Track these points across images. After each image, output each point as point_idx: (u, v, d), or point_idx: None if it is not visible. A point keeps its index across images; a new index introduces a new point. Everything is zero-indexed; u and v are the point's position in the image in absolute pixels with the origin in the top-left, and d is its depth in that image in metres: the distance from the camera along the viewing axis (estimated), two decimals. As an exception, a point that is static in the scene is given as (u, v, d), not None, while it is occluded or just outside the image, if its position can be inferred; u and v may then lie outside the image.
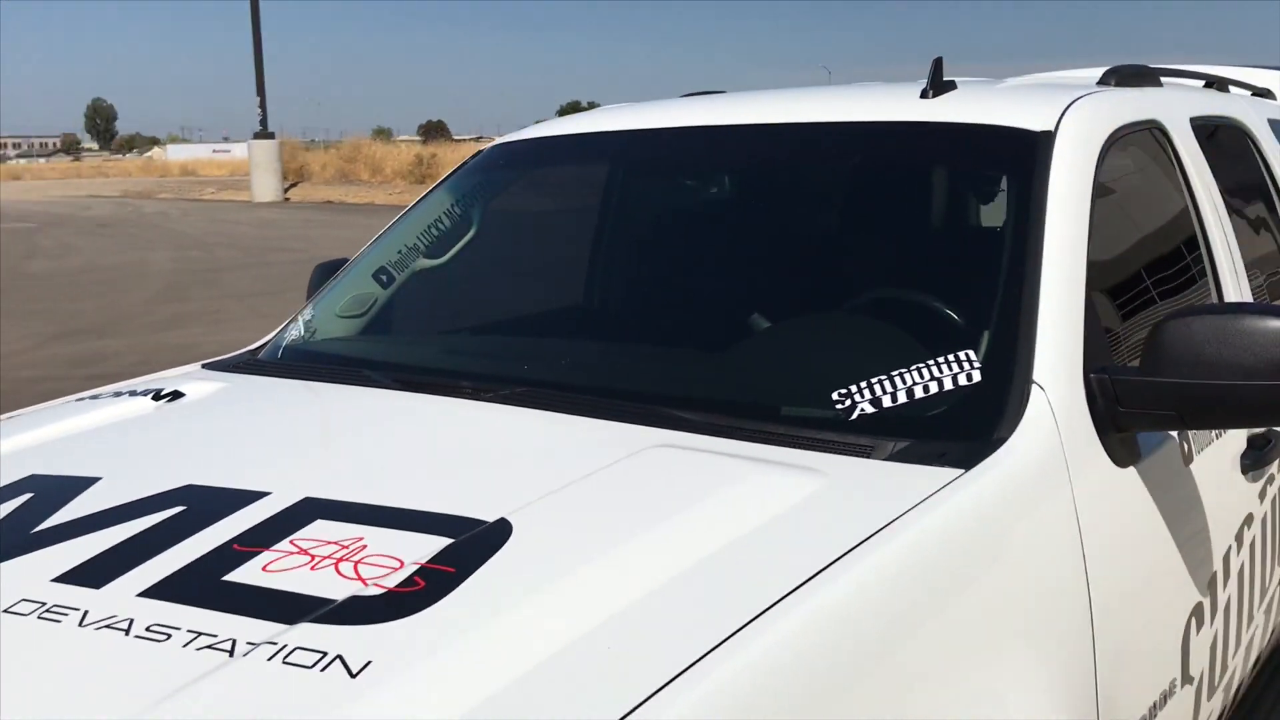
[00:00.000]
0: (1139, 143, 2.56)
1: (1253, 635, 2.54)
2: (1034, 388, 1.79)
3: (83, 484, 1.66)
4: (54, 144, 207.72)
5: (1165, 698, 2.01)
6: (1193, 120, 2.80)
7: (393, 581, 1.30)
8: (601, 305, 2.50)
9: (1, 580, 1.37)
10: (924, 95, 2.37)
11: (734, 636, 1.18)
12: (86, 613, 1.28)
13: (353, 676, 1.13)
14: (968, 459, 1.64)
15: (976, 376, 1.81)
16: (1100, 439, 1.86)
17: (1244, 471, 2.41)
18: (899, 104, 2.38)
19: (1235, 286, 2.63)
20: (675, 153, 2.50)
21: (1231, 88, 3.55)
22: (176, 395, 2.19)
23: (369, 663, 1.15)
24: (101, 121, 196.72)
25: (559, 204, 2.87)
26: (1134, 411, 1.87)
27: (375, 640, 1.19)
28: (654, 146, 2.54)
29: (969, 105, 2.31)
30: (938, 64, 2.43)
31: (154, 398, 2.17)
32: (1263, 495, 2.53)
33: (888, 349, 1.89)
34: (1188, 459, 2.15)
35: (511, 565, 1.32)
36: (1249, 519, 2.44)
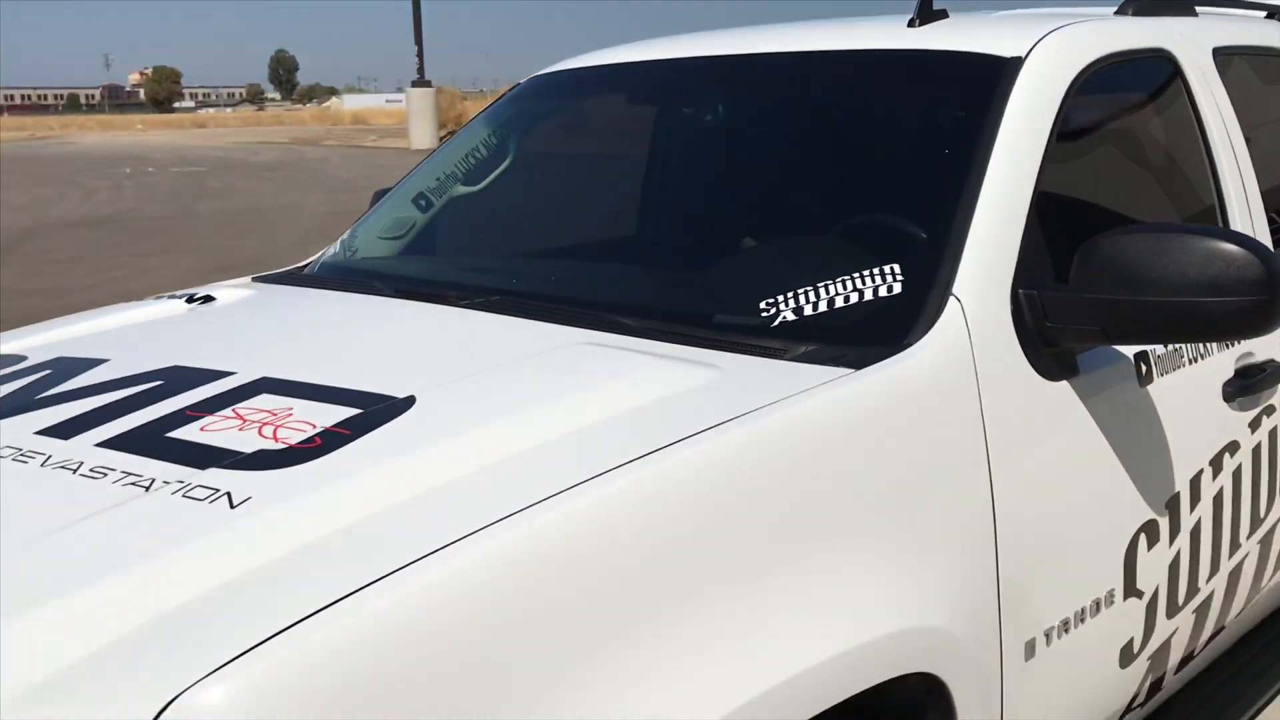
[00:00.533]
0: (1140, 71, 2.57)
1: (1240, 562, 2.55)
2: (951, 300, 1.88)
3: (91, 364, 1.93)
4: (239, 94, 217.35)
5: (1100, 605, 2.08)
6: (1218, 50, 2.77)
7: (295, 439, 1.51)
8: (586, 226, 2.66)
9: (43, 447, 1.63)
10: (910, 24, 2.45)
11: (564, 493, 1.35)
12: (50, 456, 1.54)
13: (232, 508, 1.35)
14: (862, 361, 1.75)
15: (897, 289, 1.91)
16: (1026, 353, 1.94)
17: (1227, 400, 2.42)
18: (885, 33, 2.46)
19: (1243, 219, 2.62)
20: (670, 83, 2.65)
21: None
22: (208, 299, 2.47)
23: (249, 498, 1.37)
24: (284, 72, 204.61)
25: (582, 134, 3.03)
26: (1059, 326, 1.94)
27: (262, 483, 1.41)
28: (658, 77, 2.69)
29: (949, 33, 2.38)
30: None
31: (187, 300, 2.45)
32: (1255, 425, 2.53)
33: (822, 263, 2.00)
34: (1145, 380, 2.19)
35: (398, 431, 1.52)
36: (1232, 446, 2.45)
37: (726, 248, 2.22)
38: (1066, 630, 2.01)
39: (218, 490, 1.39)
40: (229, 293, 2.52)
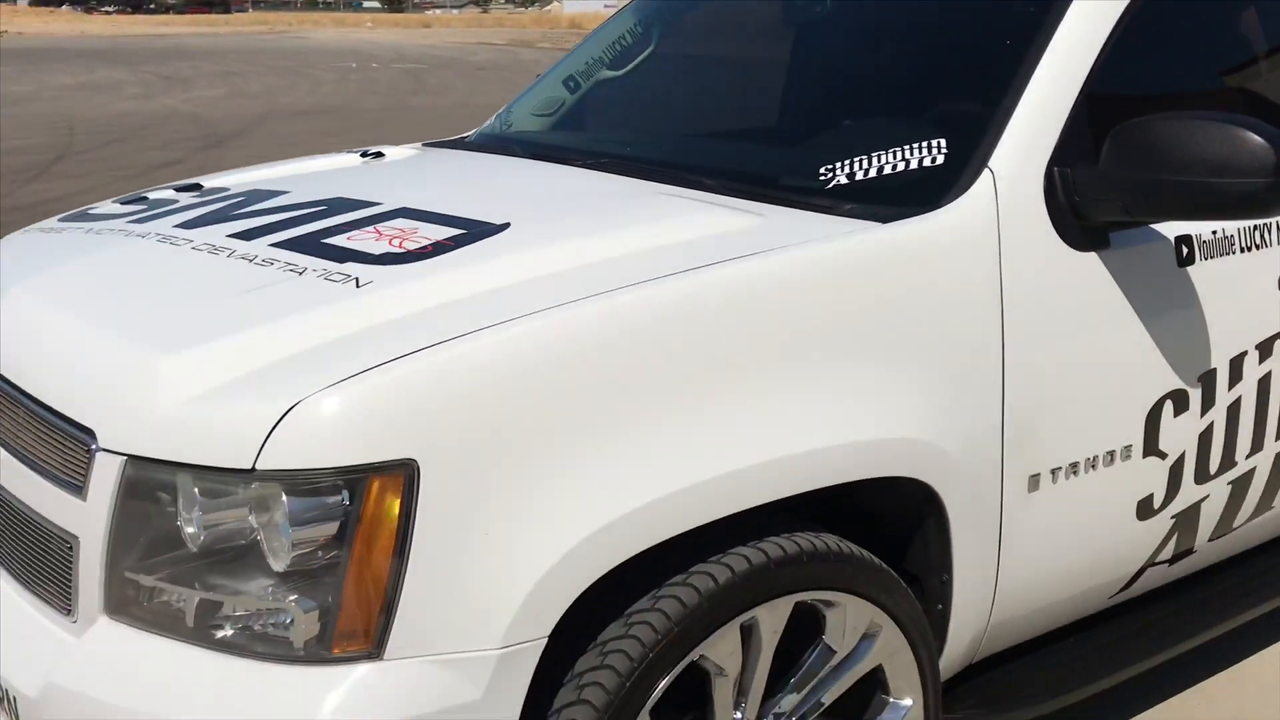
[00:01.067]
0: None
1: (1297, 448, 2.71)
2: (986, 172, 2.15)
3: (276, 194, 2.41)
4: None
5: (1115, 457, 2.32)
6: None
7: (413, 247, 1.94)
8: (694, 107, 2.99)
9: (198, 236, 2.13)
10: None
11: (599, 296, 1.73)
12: (234, 251, 2.03)
13: (358, 287, 1.79)
14: (890, 219, 2.05)
15: (940, 160, 2.19)
16: (1055, 223, 2.18)
17: (1282, 288, 2.58)
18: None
19: None
20: None
21: None
22: (378, 155, 2.94)
23: (371, 282, 1.81)
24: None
25: (703, 28, 3.34)
26: (1087, 201, 2.18)
27: (382, 273, 1.84)
28: None
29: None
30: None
31: (361, 155, 2.93)
32: (1315, 317, 2.67)
33: (880, 138, 2.29)
34: (1185, 262, 2.39)
35: (488, 246, 1.93)
36: (1283, 334, 2.61)
37: (802, 124, 2.54)
38: (1075, 473, 2.27)
39: (349, 276, 1.84)
40: (396, 151, 2.99)
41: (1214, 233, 2.44)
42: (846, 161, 2.24)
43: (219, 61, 29.46)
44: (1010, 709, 2.39)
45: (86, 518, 1.68)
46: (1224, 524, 2.68)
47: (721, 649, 1.82)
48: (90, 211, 2.59)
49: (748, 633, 1.85)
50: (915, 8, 2.66)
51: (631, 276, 1.81)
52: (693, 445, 1.75)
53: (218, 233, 2.15)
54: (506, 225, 2.03)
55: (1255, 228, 2.53)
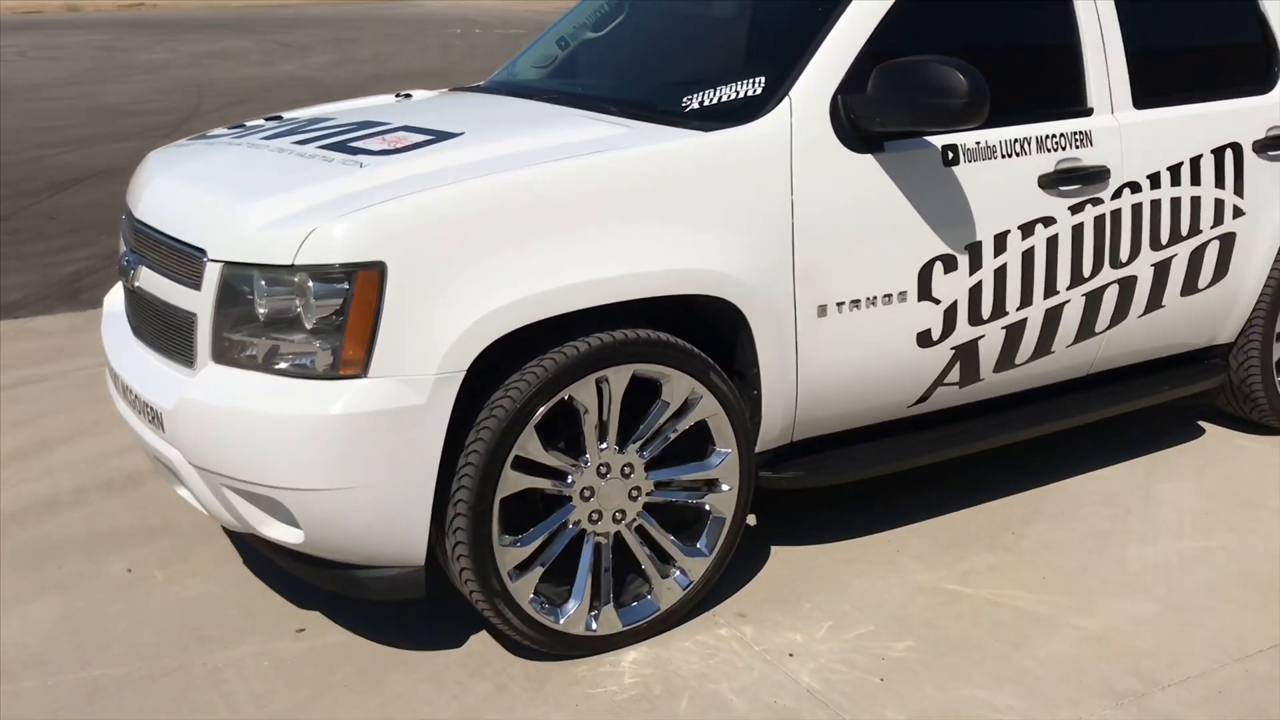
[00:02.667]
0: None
1: (1060, 305, 3.67)
2: (787, 99, 3.19)
3: (327, 119, 3.59)
4: None
5: (892, 298, 3.34)
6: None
7: (400, 146, 3.08)
8: (628, 58, 4.09)
9: (272, 144, 3.30)
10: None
11: (522, 170, 2.85)
12: (293, 151, 3.20)
13: (361, 168, 2.94)
14: (711, 129, 3.12)
15: (759, 91, 3.24)
16: (837, 133, 3.21)
17: (1044, 187, 3.55)
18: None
19: (1102, 88, 3.67)
20: None
21: None
22: (408, 95, 4.10)
23: (368, 165, 2.95)
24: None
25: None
26: (858, 117, 3.20)
27: (377, 160, 2.99)
28: None
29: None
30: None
31: (395, 96, 4.09)
32: (1077, 210, 3.63)
33: (722, 77, 3.34)
34: (950, 163, 3.38)
35: (447, 145, 3.06)
36: (1047, 220, 3.57)
37: (677, 70, 3.63)
38: (858, 306, 3.30)
39: (358, 162, 2.99)
40: (421, 93, 4.14)
41: (977, 143, 3.44)
42: (700, 93, 3.31)
43: (335, 29, 31.19)
44: (819, 474, 3.46)
45: (202, 302, 2.87)
46: (1005, 360, 3.67)
47: (584, 393, 2.93)
48: (207, 134, 3.80)
49: (602, 386, 2.96)
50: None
51: (534, 161, 2.92)
52: (568, 263, 2.85)
53: (285, 141, 3.33)
54: (462, 133, 3.17)
55: (1015, 140, 3.51)
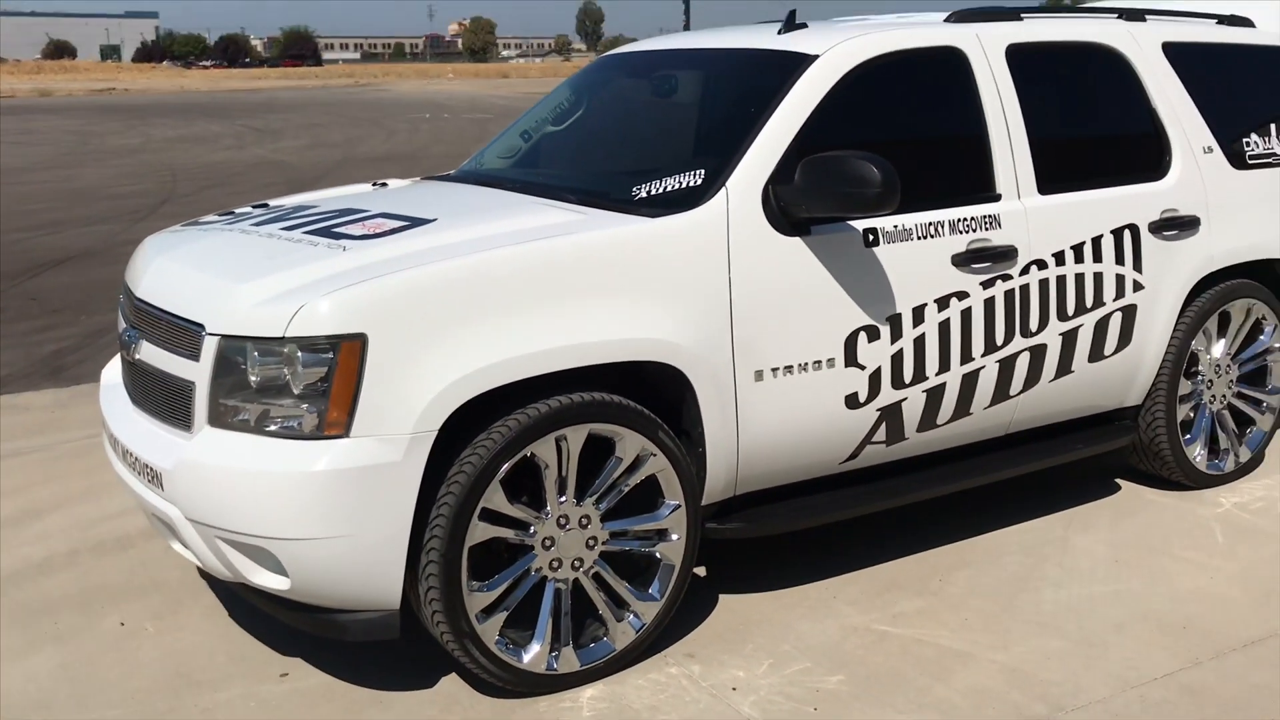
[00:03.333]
0: (934, 60, 4.11)
1: (976, 370, 4.06)
2: (723, 189, 3.59)
3: (311, 207, 3.96)
4: (549, 45, 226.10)
5: (821, 364, 3.72)
6: (1013, 45, 4.25)
7: (379, 231, 3.45)
8: (584, 150, 4.50)
9: (262, 229, 3.66)
10: (779, 32, 4.12)
11: (484, 253, 3.21)
12: (281, 236, 3.56)
13: (344, 251, 3.30)
14: (657, 216, 3.51)
15: (700, 181, 3.64)
16: (768, 219, 3.60)
17: (958, 265, 3.96)
18: (756, 37, 4.15)
19: (1006, 173, 4.10)
20: (636, 65, 4.50)
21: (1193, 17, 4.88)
22: (384, 184, 4.48)
23: (350, 249, 3.32)
24: (590, 24, 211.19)
25: (608, 96, 4.84)
26: (787, 204, 3.60)
27: (357, 244, 3.36)
28: (633, 62, 4.57)
29: (791, 38, 4.03)
30: (791, 14, 4.16)
31: (372, 185, 4.48)
32: (989, 285, 4.03)
33: (670, 169, 3.74)
34: (871, 244, 3.78)
35: (421, 231, 3.43)
36: (960, 294, 3.98)
37: (630, 162, 4.04)
38: (790, 372, 3.67)
39: (340, 246, 3.35)
40: (397, 183, 4.53)
41: (895, 226, 3.85)
42: (649, 183, 3.71)
43: (305, 114, 31.87)
44: (761, 525, 3.80)
45: (200, 371, 3.20)
46: (927, 421, 4.04)
47: (544, 451, 3.27)
48: (199, 220, 4.16)
49: (561, 444, 3.30)
50: (699, 94, 4.18)
51: (500, 244, 3.30)
52: (529, 334, 3.21)
53: (274, 228, 3.69)
54: (435, 219, 3.54)
55: (930, 223, 3.92)
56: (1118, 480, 5.03)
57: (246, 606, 3.79)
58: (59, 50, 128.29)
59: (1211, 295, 4.72)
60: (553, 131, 4.79)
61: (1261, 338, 4.98)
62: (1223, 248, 4.69)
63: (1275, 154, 4.93)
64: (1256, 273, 4.93)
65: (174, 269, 3.56)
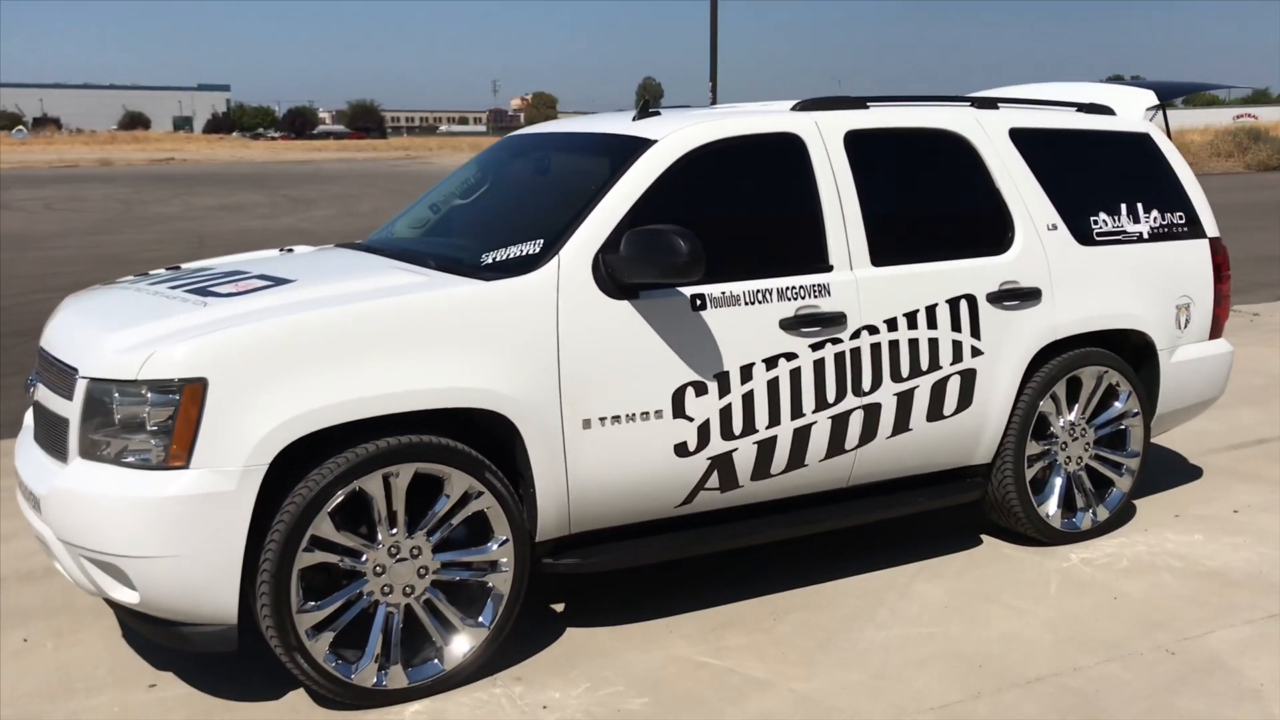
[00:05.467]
0: (770, 144, 4.54)
1: (808, 425, 4.42)
2: (555, 257, 4.03)
3: (209, 269, 4.45)
4: (482, 117, 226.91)
5: (650, 415, 4.11)
6: (852, 132, 4.67)
7: (244, 289, 3.93)
8: (458, 222, 4.98)
9: (154, 288, 4.15)
10: (633, 119, 4.58)
11: (335, 307, 3.67)
12: (165, 294, 4.04)
13: (204, 307, 3.78)
14: (492, 279, 3.95)
15: (538, 250, 4.08)
16: (597, 284, 4.03)
17: (786, 329, 4.34)
18: (610, 124, 4.61)
19: (840, 251, 4.50)
20: (526, 145, 4.99)
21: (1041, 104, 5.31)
22: (290, 250, 4.97)
23: (210, 304, 3.79)
24: (649, 97, 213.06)
25: (502, 175, 5.32)
26: (614, 271, 4.03)
27: (222, 300, 3.82)
28: (522, 143, 5.03)
29: (640, 124, 4.48)
30: (644, 104, 4.63)
31: (280, 250, 4.97)
32: (818, 348, 4.41)
33: (514, 239, 4.19)
34: (699, 309, 4.19)
35: (280, 289, 3.90)
36: (789, 355, 4.36)
37: (486, 233, 4.51)
38: (618, 421, 4.06)
39: (204, 302, 3.82)
40: (302, 249, 5.02)
41: (722, 292, 4.25)
42: (498, 251, 4.16)
43: (344, 185, 32.98)
44: (594, 562, 4.17)
45: (73, 409, 3.66)
46: (760, 470, 4.40)
47: (372, 486, 3.68)
48: (116, 280, 4.67)
49: (390, 480, 3.71)
50: (560, 172, 4.66)
51: (339, 302, 3.75)
52: (357, 381, 3.64)
53: (163, 287, 4.18)
54: (294, 280, 4.01)
55: (758, 290, 4.32)
56: (982, 535, 5.33)
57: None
58: (133, 121, 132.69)
59: (1058, 362, 5.05)
60: (450, 203, 5.27)
61: (1116, 404, 5.29)
62: (1067, 318, 5.03)
63: (1125, 231, 5.27)
64: (1111, 342, 5.26)
65: (67, 321, 4.06)
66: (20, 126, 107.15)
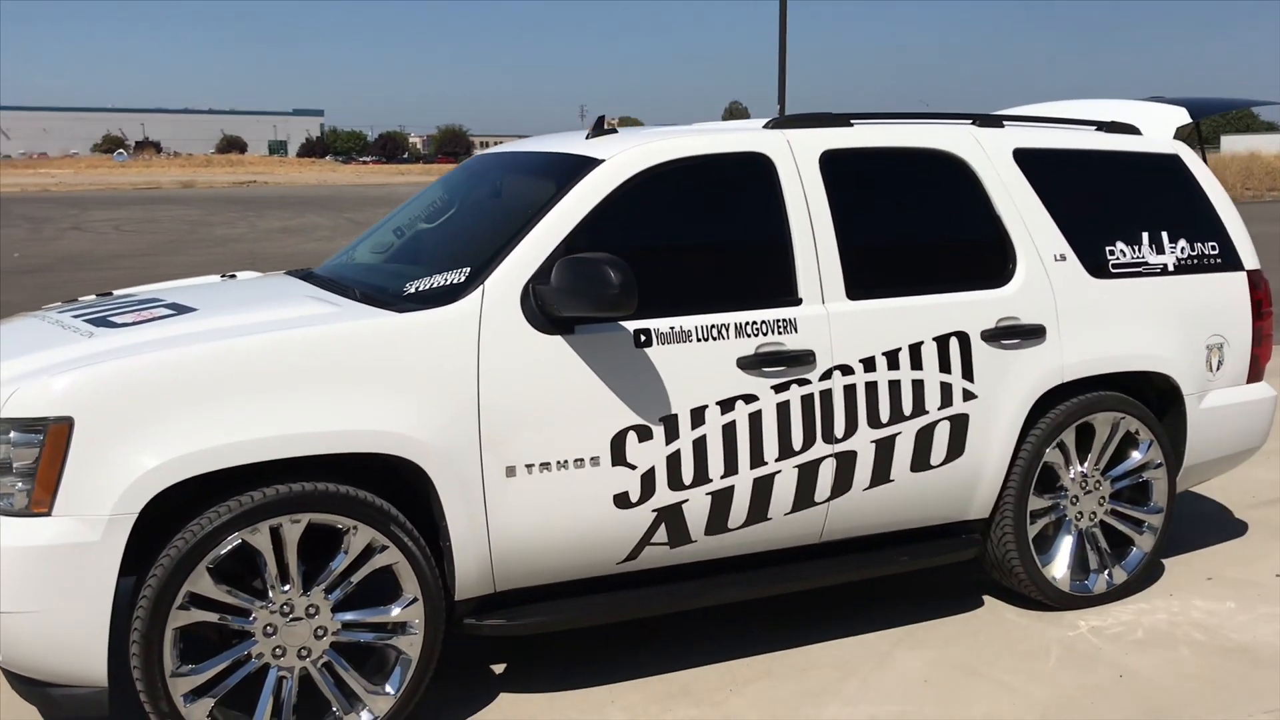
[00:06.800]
0: (733, 165, 4.13)
1: (771, 475, 3.98)
2: (480, 287, 3.66)
3: (130, 297, 4.16)
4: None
5: (585, 462, 3.71)
6: (829, 152, 4.24)
7: (143, 319, 3.62)
8: (396, 251, 4.62)
9: (64, 318, 3.87)
10: (587, 137, 4.20)
11: (237, 339, 3.34)
12: (66, 324, 3.75)
13: (90, 338, 3.48)
14: (407, 311, 3.59)
15: (463, 279, 3.72)
16: (526, 317, 3.65)
17: (744, 368, 3.92)
18: (565, 143, 4.24)
19: (809, 273, 4.07)
20: (487, 166, 4.66)
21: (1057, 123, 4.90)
22: (233, 276, 4.68)
23: (96, 335, 3.48)
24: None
25: (468, 195, 4.97)
26: (545, 304, 3.64)
27: (111, 331, 3.52)
28: (483, 163, 4.68)
29: (592, 143, 4.10)
30: (599, 120, 4.25)
31: (222, 276, 4.68)
32: (782, 389, 3.97)
33: (441, 267, 3.83)
34: (644, 345, 3.78)
35: (178, 319, 3.59)
36: (748, 397, 3.93)
37: (413, 263, 4.16)
38: (548, 469, 3.67)
39: (91, 333, 3.52)
40: (246, 275, 4.73)
41: (671, 328, 3.84)
42: (422, 280, 3.80)
43: (411, 208, 33.21)
44: (522, 623, 3.77)
45: (-51, 445, 3.39)
46: (716, 524, 3.97)
47: (257, 539, 3.33)
48: (44, 306, 4.41)
49: (280, 532, 3.36)
50: (508, 195, 4.30)
51: (230, 335, 3.42)
52: (238, 423, 3.30)
53: (68, 316, 3.90)
54: (196, 309, 3.70)
55: (712, 326, 3.90)
56: (986, 596, 4.83)
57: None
58: (230, 145, 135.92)
59: (1066, 408, 4.55)
60: (415, 226, 4.93)
61: (1135, 454, 4.75)
62: (1077, 358, 4.52)
63: (1147, 263, 4.76)
64: (1130, 386, 4.74)
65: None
66: (121, 150, 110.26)
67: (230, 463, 3.28)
